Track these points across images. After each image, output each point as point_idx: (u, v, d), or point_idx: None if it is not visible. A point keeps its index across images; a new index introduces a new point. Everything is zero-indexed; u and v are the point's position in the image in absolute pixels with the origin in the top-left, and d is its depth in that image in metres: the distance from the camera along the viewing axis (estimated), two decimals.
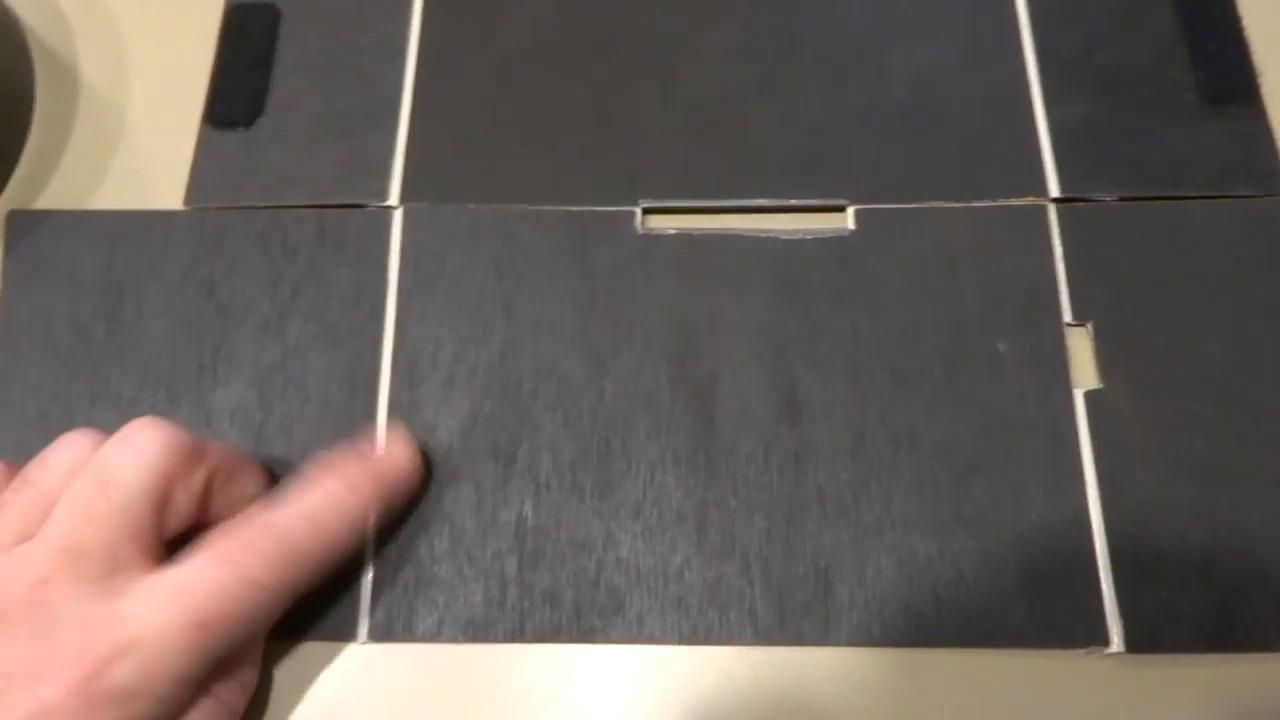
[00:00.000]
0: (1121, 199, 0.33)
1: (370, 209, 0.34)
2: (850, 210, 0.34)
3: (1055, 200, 0.33)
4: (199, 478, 0.26)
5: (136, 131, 0.36)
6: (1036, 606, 0.29)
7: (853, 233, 0.33)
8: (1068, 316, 0.32)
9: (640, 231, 0.34)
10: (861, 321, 0.32)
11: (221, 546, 0.25)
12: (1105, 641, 0.28)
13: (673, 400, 0.32)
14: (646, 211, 0.34)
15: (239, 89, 0.36)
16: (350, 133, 0.36)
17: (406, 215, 0.34)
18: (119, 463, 0.25)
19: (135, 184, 0.35)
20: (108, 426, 0.31)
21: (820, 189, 0.34)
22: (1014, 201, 0.33)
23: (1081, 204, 0.33)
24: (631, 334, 0.32)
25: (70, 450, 0.26)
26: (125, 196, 0.35)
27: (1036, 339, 0.32)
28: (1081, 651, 0.29)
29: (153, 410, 0.31)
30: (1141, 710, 0.28)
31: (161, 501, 0.25)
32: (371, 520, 0.29)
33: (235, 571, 0.24)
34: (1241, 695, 0.28)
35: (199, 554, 0.25)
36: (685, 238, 0.34)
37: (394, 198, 0.34)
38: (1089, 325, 0.32)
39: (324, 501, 0.27)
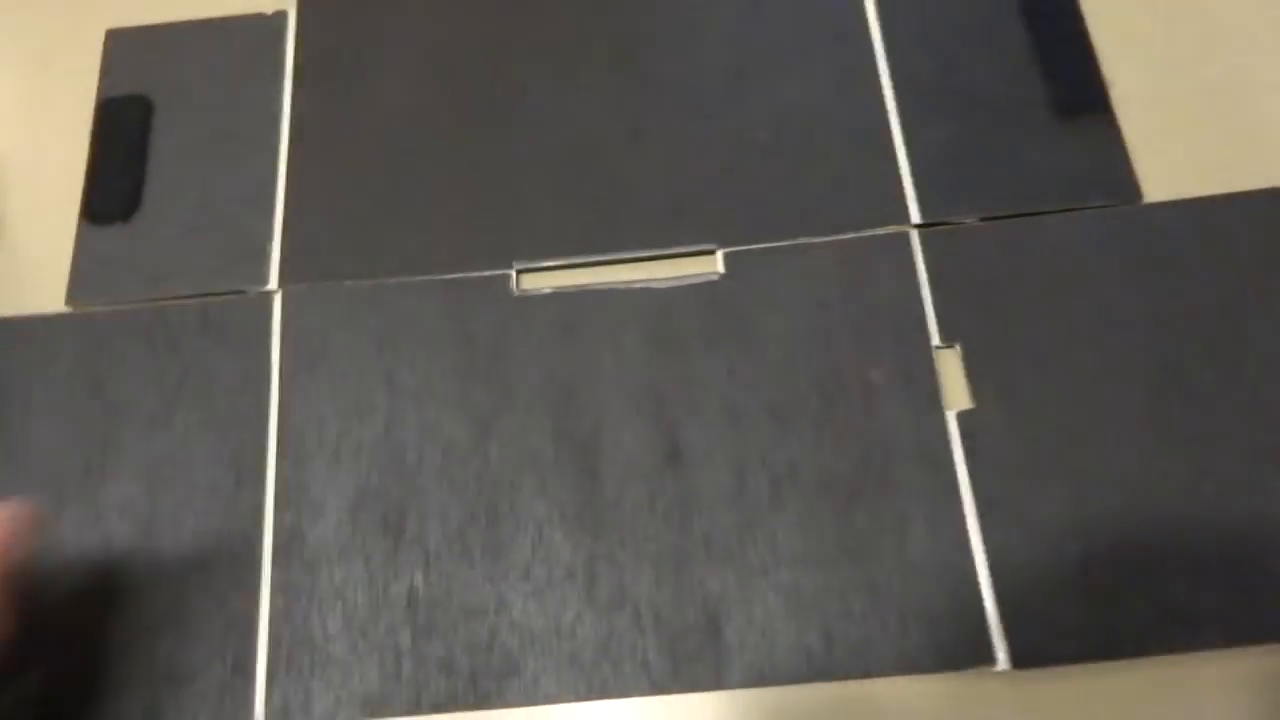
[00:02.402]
0: (982, 219, 0.34)
1: (250, 295, 0.35)
2: (719, 253, 0.34)
3: (917, 226, 0.34)
4: None
5: (14, 234, 0.36)
6: (923, 631, 0.29)
7: (723, 275, 0.34)
8: (936, 339, 0.33)
9: (516, 293, 0.34)
10: (737, 363, 0.33)
11: None
12: (991, 660, 0.29)
13: (557, 458, 0.32)
14: (521, 272, 0.35)
15: (115, 183, 0.37)
16: (228, 219, 0.36)
17: (286, 298, 0.35)
18: None
19: (16, 288, 0.35)
20: None
21: (689, 234, 0.35)
22: (878, 231, 0.34)
23: (943, 228, 0.34)
24: (513, 395, 0.33)
25: None
26: (6, 301, 0.35)
27: (907, 365, 0.32)
28: (970, 672, 0.29)
29: (41, 512, 0.32)
30: None
31: None
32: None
33: None
34: (1126, 702, 0.29)
35: None
36: (560, 296, 0.34)
37: (273, 282, 0.35)
38: (957, 346, 0.33)
39: None
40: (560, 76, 0.38)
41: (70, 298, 0.35)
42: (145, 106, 0.38)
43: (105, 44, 0.39)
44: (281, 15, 0.39)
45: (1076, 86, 0.36)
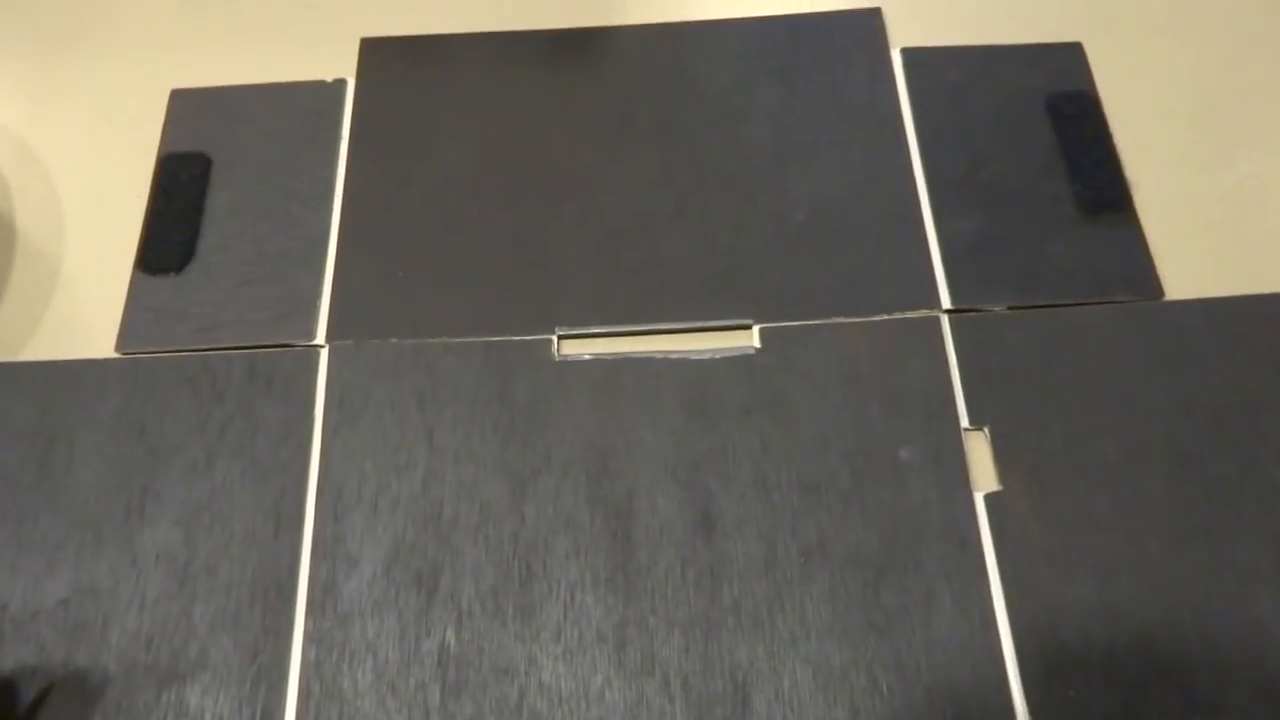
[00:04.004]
0: (1010, 308, 0.35)
1: (297, 349, 0.36)
2: (756, 329, 0.35)
3: (948, 311, 0.35)
4: None
5: (71, 280, 0.37)
6: (949, 710, 0.30)
7: (759, 350, 0.35)
8: (965, 421, 0.34)
9: (557, 358, 0.35)
10: (770, 435, 0.34)
11: None
12: None
13: (591, 521, 0.33)
14: (562, 338, 0.36)
15: (171, 236, 0.38)
16: (279, 275, 0.37)
17: (332, 353, 0.36)
18: None
19: (68, 332, 0.36)
20: (33, 571, 0.32)
21: (727, 309, 0.36)
22: (909, 314, 0.35)
23: (972, 314, 0.35)
24: (550, 457, 0.34)
25: None
26: (58, 345, 0.36)
27: (937, 445, 0.33)
28: None
29: (78, 554, 0.32)
30: None
31: None
32: None
33: None
34: None
35: None
36: (600, 363, 0.35)
37: (320, 337, 0.36)
38: (986, 429, 0.33)
39: None
40: (606, 153, 0.39)
41: (120, 344, 0.36)
42: (204, 163, 0.39)
43: (169, 102, 0.41)
44: (341, 84, 0.41)
45: (1100, 186, 0.38)
